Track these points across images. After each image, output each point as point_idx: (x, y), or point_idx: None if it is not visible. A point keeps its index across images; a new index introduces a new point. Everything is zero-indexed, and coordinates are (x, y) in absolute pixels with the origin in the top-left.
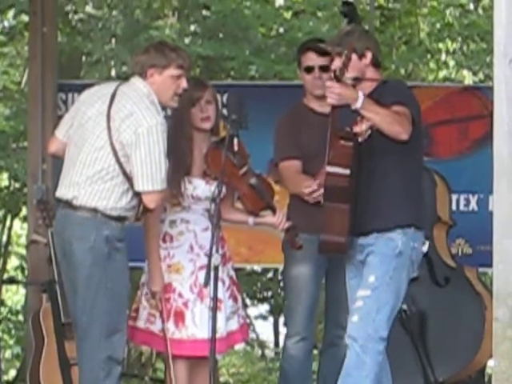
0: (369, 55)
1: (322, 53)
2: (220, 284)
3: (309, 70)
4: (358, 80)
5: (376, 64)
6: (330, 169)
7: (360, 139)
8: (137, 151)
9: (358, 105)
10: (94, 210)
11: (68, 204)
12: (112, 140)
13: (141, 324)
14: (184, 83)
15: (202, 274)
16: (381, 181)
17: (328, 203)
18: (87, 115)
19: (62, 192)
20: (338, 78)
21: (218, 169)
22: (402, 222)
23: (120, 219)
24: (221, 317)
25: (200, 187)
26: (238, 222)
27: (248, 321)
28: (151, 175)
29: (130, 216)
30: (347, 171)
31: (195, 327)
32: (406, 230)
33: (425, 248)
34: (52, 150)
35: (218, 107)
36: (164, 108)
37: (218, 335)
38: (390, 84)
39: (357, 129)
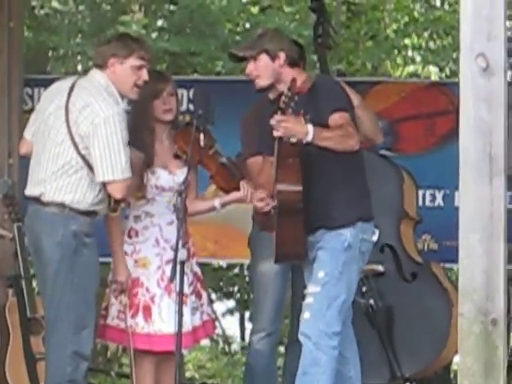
0: (282, 56)
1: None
2: (185, 278)
3: None
4: (273, 85)
5: (293, 64)
6: (280, 187)
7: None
8: (95, 142)
9: (308, 138)
10: (62, 205)
11: (37, 200)
12: (71, 133)
13: (110, 321)
14: (145, 75)
15: (168, 268)
16: (324, 180)
17: (281, 218)
18: (48, 111)
19: (31, 190)
20: (283, 111)
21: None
22: (350, 219)
23: (89, 214)
24: (186, 311)
25: (163, 177)
26: (205, 210)
27: (214, 317)
28: (111, 165)
29: (101, 209)
30: (299, 187)
31: (162, 322)
32: (354, 224)
33: (375, 237)
34: (23, 151)
35: (178, 100)
36: (123, 99)
37: (184, 330)
38: (320, 88)
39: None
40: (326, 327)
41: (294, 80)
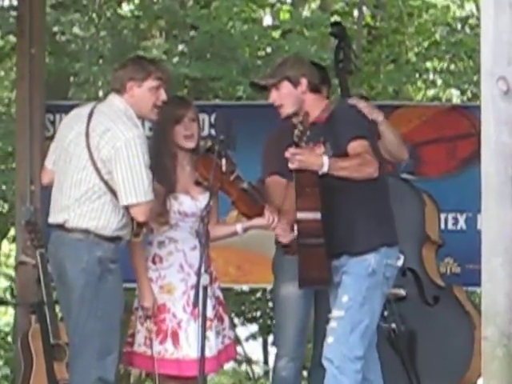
0: (304, 82)
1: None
2: (209, 302)
3: None
4: (297, 111)
5: (314, 89)
6: (300, 215)
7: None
8: (117, 166)
9: (324, 170)
10: (86, 231)
11: (60, 227)
12: (93, 158)
13: (137, 348)
14: (163, 95)
15: (193, 293)
16: (346, 206)
17: (303, 245)
18: (68, 138)
19: (54, 217)
20: (297, 144)
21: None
22: (373, 245)
23: (113, 239)
24: (212, 335)
25: (186, 203)
26: (226, 235)
27: (234, 340)
28: (133, 188)
29: (125, 234)
30: (318, 215)
31: (189, 347)
32: (378, 250)
33: (400, 262)
34: (45, 181)
35: (200, 126)
36: (143, 122)
37: (210, 354)
38: (338, 115)
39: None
40: (348, 352)
41: (306, 113)
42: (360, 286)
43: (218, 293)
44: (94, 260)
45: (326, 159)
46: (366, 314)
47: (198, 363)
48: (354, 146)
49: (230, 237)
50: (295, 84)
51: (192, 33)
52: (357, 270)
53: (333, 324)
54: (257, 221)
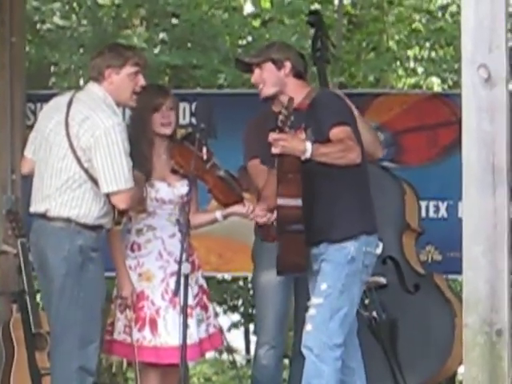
0: (288, 65)
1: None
2: (189, 291)
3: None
4: (278, 94)
5: (298, 75)
6: (280, 202)
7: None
8: (97, 154)
9: (306, 155)
10: (68, 220)
11: (42, 216)
12: (73, 147)
13: (117, 336)
14: (141, 80)
15: (172, 281)
16: (325, 193)
17: (282, 232)
18: (48, 128)
19: (35, 207)
20: (281, 129)
21: (186, 163)
22: (353, 232)
23: (95, 228)
24: (192, 323)
25: (163, 189)
26: (207, 223)
27: (220, 329)
28: (114, 175)
29: (106, 223)
30: (299, 201)
31: (168, 335)
32: (357, 238)
33: (378, 250)
34: (25, 171)
35: (177, 115)
36: (124, 111)
37: (190, 342)
38: (320, 102)
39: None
40: (328, 339)
41: (291, 99)
42: (339, 273)
43: (202, 281)
44: (75, 249)
45: (308, 145)
46: (345, 302)
47: (177, 351)
48: (336, 132)
49: (210, 224)
50: (279, 66)
51: (173, 21)
52: (336, 258)
53: (312, 311)
54: (236, 208)
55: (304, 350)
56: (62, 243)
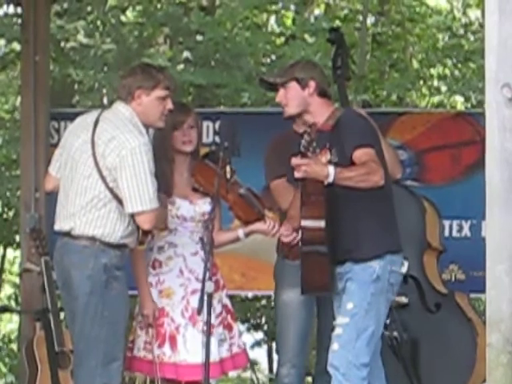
0: (312, 84)
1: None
2: (211, 309)
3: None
4: (302, 113)
5: (322, 94)
6: (304, 223)
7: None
8: (122, 174)
9: (329, 180)
10: (92, 239)
11: (67, 234)
12: (99, 166)
13: (137, 353)
14: (170, 104)
15: (193, 299)
16: (350, 213)
17: (307, 253)
18: (75, 146)
19: (60, 225)
20: (303, 154)
21: (207, 181)
22: (378, 252)
23: (119, 247)
24: (214, 342)
25: (184, 207)
26: (229, 241)
27: (243, 347)
28: (139, 196)
29: (130, 242)
30: (322, 223)
31: (187, 352)
32: (382, 257)
33: (404, 269)
34: (49, 188)
35: (199, 133)
36: (147, 129)
37: (210, 360)
38: (344, 123)
39: (323, 159)
40: (354, 358)
41: (314, 124)
42: (365, 292)
43: (226, 301)
44: (99, 267)
45: (331, 169)
46: (371, 321)
47: (196, 368)
48: (359, 155)
49: (232, 243)
50: (303, 86)
51: (196, 39)
52: (361, 277)
53: (338, 331)
54: (258, 225)
55: (330, 369)
56: (87, 261)
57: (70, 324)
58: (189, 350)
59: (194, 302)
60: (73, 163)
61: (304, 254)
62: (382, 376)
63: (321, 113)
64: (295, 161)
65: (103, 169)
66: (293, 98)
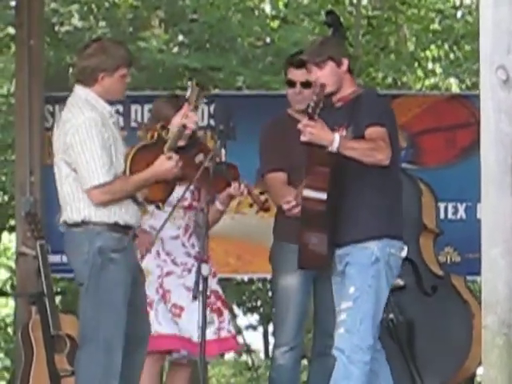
0: (345, 62)
1: (300, 65)
2: (186, 292)
3: (291, 84)
4: (335, 93)
5: (350, 71)
6: (306, 193)
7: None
8: (72, 153)
9: (334, 146)
10: (84, 223)
11: (65, 224)
12: (60, 152)
13: None
14: (128, 77)
15: (167, 280)
16: (356, 195)
17: (305, 225)
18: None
19: (61, 219)
20: (310, 116)
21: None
22: (377, 233)
23: (118, 228)
24: (181, 322)
25: None
26: (214, 218)
27: (233, 333)
28: (87, 173)
29: (127, 220)
30: (324, 195)
31: (159, 325)
32: (380, 239)
33: (403, 253)
34: None
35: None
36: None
37: (194, 339)
38: (363, 99)
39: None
40: (360, 341)
41: (322, 85)
42: (365, 275)
43: (216, 287)
44: (94, 250)
45: (337, 136)
46: (373, 303)
47: (168, 339)
48: (371, 132)
49: (217, 219)
50: (338, 64)
51: (191, 23)
52: (360, 259)
53: (342, 316)
54: (227, 191)
55: (335, 352)
56: (82, 247)
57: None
58: (160, 322)
59: (168, 283)
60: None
61: (302, 227)
62: (383, 359)
63: (348, 88)
64: (303, 122)
65: (65, 153)
66: (330, 76)
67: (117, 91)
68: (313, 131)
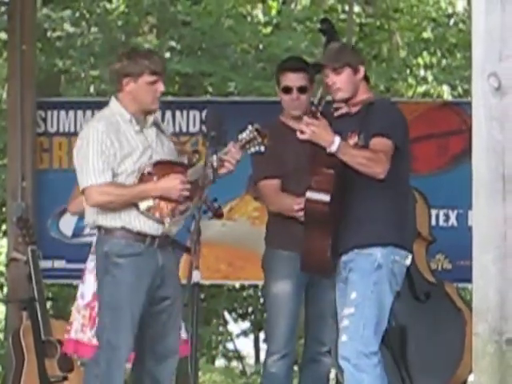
0: (362, 70)
1: (297, 69)
2: None
3: (287, 90)
4: (350, 99)
5: (366, 79)
6: (309, 195)
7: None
8: (74, 161)
9: (333, 148)
10: (98, 228)
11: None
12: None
13: (72, 334)
14: (161, 87)
15: None
16: (364, 203)
17: (308, 228)
18: None
19: None
20: (314, 114)
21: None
22: (381, 241)
23: (124, 233)
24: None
25: None
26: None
27: (185, 342)
28: (80, 175)
29: (134, 226)
30: (327, 197)
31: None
32: (384, 246)
33: (408, 261)
34: None
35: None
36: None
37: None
38: (375, 108)
39: (350, 141)
40: (363, 348)
41: (327, 85)
42: (367, 281)
43: None
44: (101, 254)
45: (337, 139)
46: (375, 309)
47: None
48: (375, 142)
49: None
50: (355, 71)
51: (183, 29)
52: (363, 265)
53: (345, 322)
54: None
55: (341, 361)
56: (96, 250)
57: None
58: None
59: None
60: None
61: (305, 231)
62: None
63: (362, 95)
64: (306, 120)
65: None
66: (346, 82)
67: (144, 99)
68: (315, 130)
